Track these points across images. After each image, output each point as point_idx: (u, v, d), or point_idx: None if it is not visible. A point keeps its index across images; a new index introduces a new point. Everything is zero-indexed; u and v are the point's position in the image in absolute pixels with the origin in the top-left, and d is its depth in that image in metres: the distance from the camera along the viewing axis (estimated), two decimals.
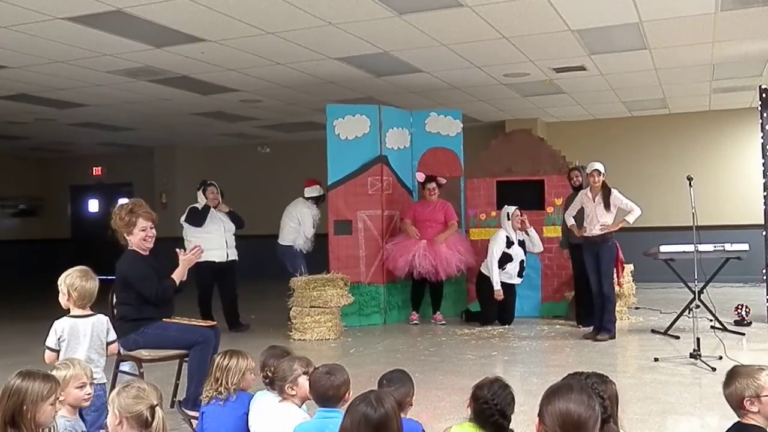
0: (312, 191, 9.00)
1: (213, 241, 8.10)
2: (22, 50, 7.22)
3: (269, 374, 3.30)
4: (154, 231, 4.67)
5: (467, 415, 2.63)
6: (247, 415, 3.31)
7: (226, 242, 8.26)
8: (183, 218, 8.28)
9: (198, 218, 8.15)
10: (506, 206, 8.40)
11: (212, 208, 8.25)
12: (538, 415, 2.14)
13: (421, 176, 8.92)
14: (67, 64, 7.86)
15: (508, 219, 8.29)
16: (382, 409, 2.30)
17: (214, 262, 8.12)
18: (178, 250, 4.79)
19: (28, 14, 6.06)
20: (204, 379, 3.64)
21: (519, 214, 8.34)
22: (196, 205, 8.30)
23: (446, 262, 8.35)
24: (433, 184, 8.64)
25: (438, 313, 8.71)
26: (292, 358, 3.34)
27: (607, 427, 2.41)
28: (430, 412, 4.57)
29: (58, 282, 3.77)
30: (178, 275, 4.68)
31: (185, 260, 4.72)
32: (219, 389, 3.33)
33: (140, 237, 4.60)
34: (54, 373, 2.90)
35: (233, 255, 8.37)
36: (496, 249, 8.20)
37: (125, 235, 4.63)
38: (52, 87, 9.03)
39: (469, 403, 2.61)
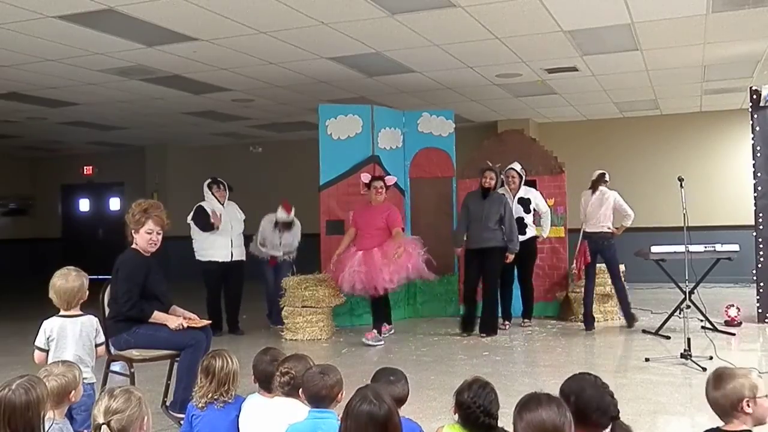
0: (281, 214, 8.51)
1: (217, 240, 8.07)
2: (13, 48, 7.18)
3: (294, 375, 3.11)
4: (159, 237, 4.64)
5: (457, 418, 2.63)
6: (238, 417, 3.26)
7: (231, 242, 8.16)
8: (190, 217, 8.16)
9: (204, 223, 8.02)
10: (516, 163, 8.33)
11: (222, 207, 8.19)
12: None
13: (366, 177, 7.94)
14: (58, 63, 7.82)
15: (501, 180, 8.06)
16: (385, 405, 2.28)
17: (218, 262, 8.09)
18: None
19: (19, 12, 6.03)
20: (193, 382, 3.57)
21: (513, 175, 8.19)
22: (203, 204, 8.16)
23: (380, 274, 7.24)
24: (380, 183, 7.67)
25: (373, 331, 7.47)
26: (301, 357, 3.26)
27: (617, 424, 2.45)
28: (422, 411, 4.58)
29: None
30: (160, 318, 4.56)
31: (174, 321, 4.56)
32: (224, 394, 3.25)
33: (145, 239, 4.59)
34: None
35: (239, 255, 8.24)
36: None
37: (132, 232, 4.61)
38: (43, 85, 8.98)
39: (454, 410, 2.61)
